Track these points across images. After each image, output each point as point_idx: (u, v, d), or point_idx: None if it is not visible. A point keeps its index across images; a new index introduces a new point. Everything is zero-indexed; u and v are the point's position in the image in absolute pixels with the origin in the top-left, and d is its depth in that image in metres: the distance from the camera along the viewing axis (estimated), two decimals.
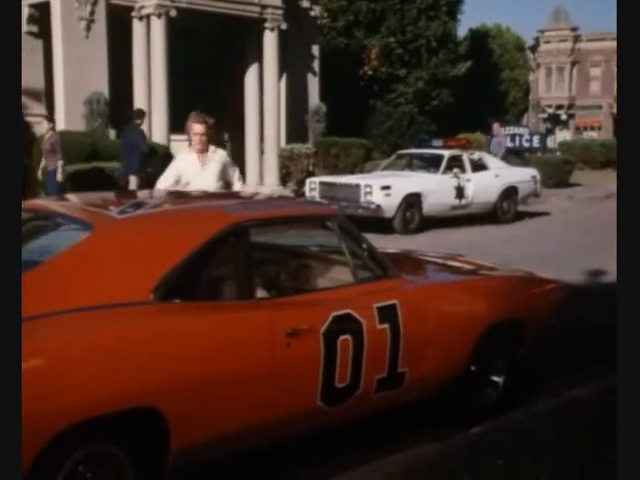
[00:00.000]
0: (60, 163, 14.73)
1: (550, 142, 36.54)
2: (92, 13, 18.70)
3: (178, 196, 5.72)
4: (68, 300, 3.69)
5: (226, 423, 3.99)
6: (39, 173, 15.31)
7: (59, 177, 14.68)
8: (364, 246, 4.95)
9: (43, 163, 15.01)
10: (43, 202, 5.24)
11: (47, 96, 19.62)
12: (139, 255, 4.02)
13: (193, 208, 4.94)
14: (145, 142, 15.90)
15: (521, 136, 28.18)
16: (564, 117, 67.65)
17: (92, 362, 3.53)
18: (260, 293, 4.47)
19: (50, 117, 14.46)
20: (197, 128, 6.99)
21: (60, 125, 18.75)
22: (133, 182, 15.32)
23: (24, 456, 3.24)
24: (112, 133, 19.07)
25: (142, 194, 5.67)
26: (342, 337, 4.39)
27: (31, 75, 19.54)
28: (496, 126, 24.46)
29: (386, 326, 4.62)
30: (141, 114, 15.88)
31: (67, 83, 18.53)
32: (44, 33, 19.28)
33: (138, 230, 4.24)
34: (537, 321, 5.80)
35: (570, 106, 67.33)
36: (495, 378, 5.57)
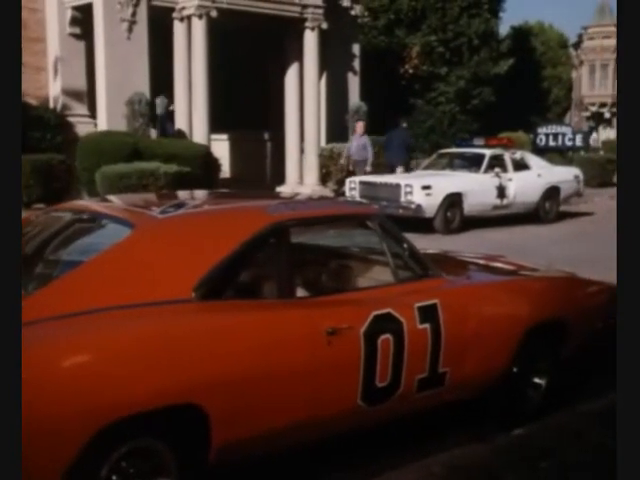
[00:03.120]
0: None
1: (592, 141, 36.10)
2: (134, 14, 18.87)
3: (219, 196, 5.77)
4: (110, 298, 3.77)
5: (266, 421, 4.04)
6: None
7: None
8: (405, 246, 4.99)
9: None
10: (85, 203, 5.32)
11: (89, 97, 19.88)
12: (181, 254, 4.08)
13: (234, 208, 4.99)
14: (411, 140, 22.19)
15: (564, 135, 27.85)
16: (607, 115, 66.74)
17: (134, 359, 3.60)
18: (301, 292, 4.53)
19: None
20: None
21: (102, 125, 18.99)
22: (400, 172, 19.54)
23: (69, 450, 3.34)
24: (153, 133, 19.25)
25: (183, 194, 5.73)
26: (383, 336, 4.42)
27: (74, 76, 19.83)
28: (359, 125, 20.29)
29: (427, 326, 4.64)
30: (404, 119, 22.03)
31: (109, 84, 18.74)
32: (86, 35, 19.53)
33: (179, 229, 4.30)
34: (581, 323, 5.74)
35: (614, 104, 66.38)
36: (538, 380, 5.54)
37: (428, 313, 4.67)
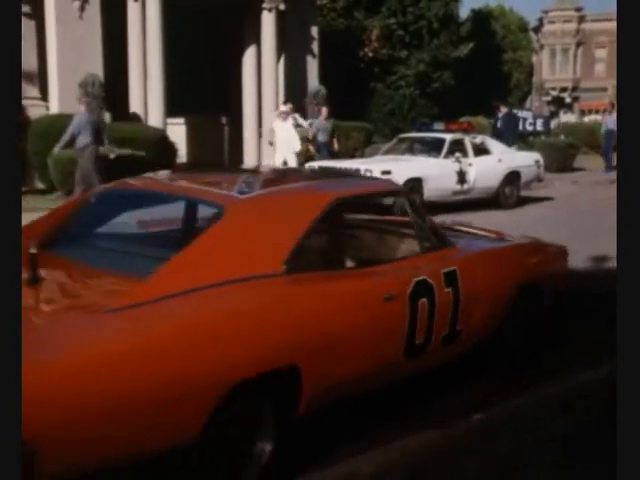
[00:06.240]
0: None
1: (554, 125, 36.50)
2: None
3: (278, 174, 6.70)
4: (217, 275, 4.17)
5: (341, 372, 4.57)
6: None
7: None
8: (427, 218, 5.63)
9: None
10: (159, 182, 5.58)
11: (40, 78, 19.62)
12: (269, 232, 4.54)
13: (304, 186, 5.48)
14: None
15: (524, 119, 28.13)
16: (568, 100, 67.60)
17: (249, 328, 4.05)
18: (355, 262, 5.24)
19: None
20: None
21: (54, 108, 18.77)
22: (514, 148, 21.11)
23: (201, 412, 3.75)
24: (107, 116, 19.05)
25: (228, 173, 6.44)
26: (421, 300, 5.08)
27: (24, 57, 19.52)
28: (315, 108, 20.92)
29: (450, 289, 5.34)
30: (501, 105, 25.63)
31: (61, 65, 18.53)
32: (37, 14, 19.25)
33: (264, 208, 4.74)
34: (554, 279, 6.71)
35: (574, 88, 67.26)
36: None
37: (450, 278, 5.37)
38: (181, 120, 22.10)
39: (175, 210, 5.27)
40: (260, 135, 21.85)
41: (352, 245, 5.51)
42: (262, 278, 4.30)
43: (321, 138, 19.38)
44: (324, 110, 19.84)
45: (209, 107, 21.86)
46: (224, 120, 23.71)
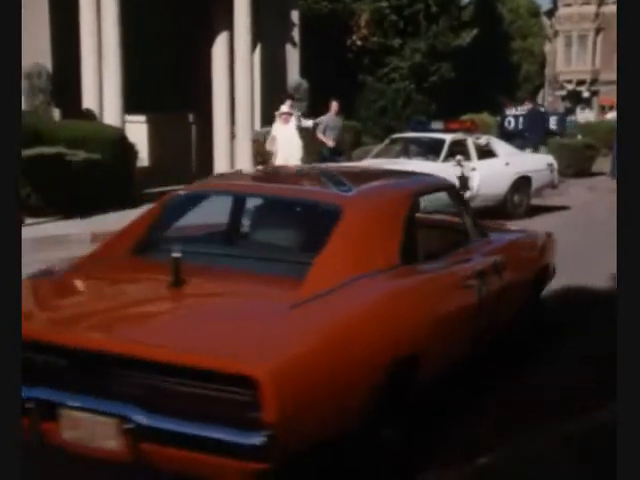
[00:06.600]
0: None
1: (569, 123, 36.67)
2: None
3: (361, 171, 8.76)
4: (351, 271, 4.97)
5: (441, 352, 5.54)
6: None
7: None
8: (471, 211, 6.94)
9: None
10: (258, 184, 6.69)
11: None
12: (379, 228, 5.43)
13: (388, 184, 6.65)
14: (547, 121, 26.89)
15: None
16: (586, 94, 68.00)
17: (397, 314, 4.99)
18: (423, 255, 5.94)
19: None
20: None
21: None
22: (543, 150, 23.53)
23: (374, 392, 4.53)
24: (56, 113, 19.00)
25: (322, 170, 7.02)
26: (483, 287, 6.24)
27: None
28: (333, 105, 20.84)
29: (496, 277, 6.57)
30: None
31: None
32: None
33: (370, 206, 5.62)
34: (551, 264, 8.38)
35: (593, 81, 67.67)
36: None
37: (496, 266, 6.61)
38: (142, 118, 22.11)
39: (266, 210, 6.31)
40: (233, 135, 21.90)
41: (422, 238, 6.28)
42: (390, 270, 5.24)
43: (331, 136, 19.53)
44: (334, 104, 19.95)
45: (174, 103, 21.88)
46: (191, 118, 23.78)
